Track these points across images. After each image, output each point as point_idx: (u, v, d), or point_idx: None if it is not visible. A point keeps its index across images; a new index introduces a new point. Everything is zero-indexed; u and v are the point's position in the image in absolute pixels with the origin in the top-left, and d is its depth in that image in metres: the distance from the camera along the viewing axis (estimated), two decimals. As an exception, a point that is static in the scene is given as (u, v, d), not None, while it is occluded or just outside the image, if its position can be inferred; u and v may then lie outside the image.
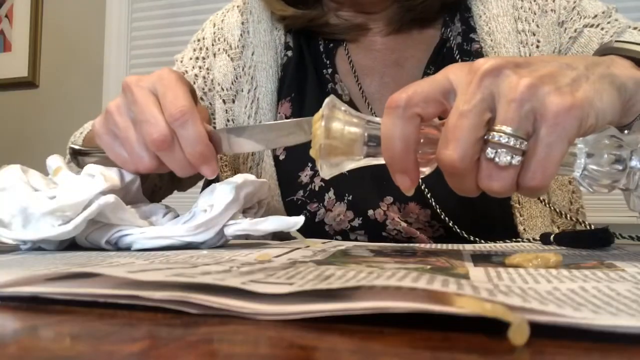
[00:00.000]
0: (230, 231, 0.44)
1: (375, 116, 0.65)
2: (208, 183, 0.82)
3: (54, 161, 0.48)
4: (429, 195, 0.58)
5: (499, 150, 0.30)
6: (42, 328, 0.19)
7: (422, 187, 0.59)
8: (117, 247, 0.44)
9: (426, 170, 0.35)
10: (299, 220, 0.45)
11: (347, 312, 0.19)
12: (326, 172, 0.37)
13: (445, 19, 0.69)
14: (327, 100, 0.36)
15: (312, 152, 0.37)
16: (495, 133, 0.30)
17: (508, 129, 0.30)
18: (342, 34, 0.70)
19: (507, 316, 0.16)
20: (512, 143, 0.30)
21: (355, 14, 0.71)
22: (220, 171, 0.73)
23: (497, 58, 0.32)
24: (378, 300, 0.19)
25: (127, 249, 0.43)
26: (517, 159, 0.30)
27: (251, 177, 0.48)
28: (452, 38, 0.67)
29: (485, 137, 0.31)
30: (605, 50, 0.40)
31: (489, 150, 0.30)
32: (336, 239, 0.62)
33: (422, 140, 0.34)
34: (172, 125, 0.44)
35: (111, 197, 0.42)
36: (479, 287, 0.20)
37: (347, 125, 0.35)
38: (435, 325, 0.18)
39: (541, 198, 0.61)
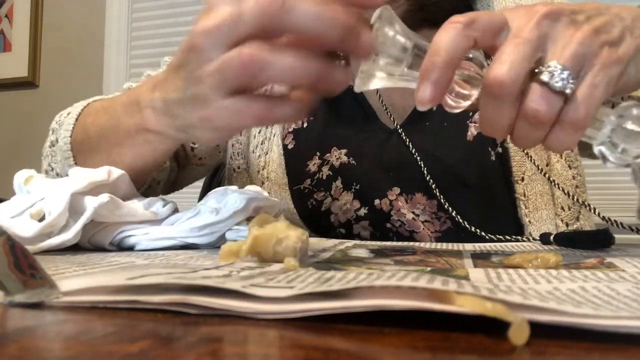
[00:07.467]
0: (232, 236, 0.45)
1: (387, 110, 0.66)
2: (210, 182, 0.82)
3: (21, 175, 0.47)
4: (433, 186, 0.59)
5: (554, 75, 0.31)
6: (42, 328, 0.19)
7: (428, 178, 0.60)
8: (120, 248, 0.44)
9: (457, 104, 0.34)
10: None
11: (347, 310, 0.19)
12: (359, 83, 0.34)
13: None
14: (381, 9, 0.34)
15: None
16: (550, 64, 0.31)
17: (560, 65, 0.31)
18: None
19: (508, 316, 0.16)
20: (565, 75, 0.31)
21: None
22: (231, 158, 0.73)
23: (553, 3, 0.34)
24: (378, 298, 0.19)
25: (130, 249, 0.43)
26: (570, 88, 0.31)
27: (265, 193, 0.50)
28: None
29: (537, 70, 0.32)
30: None
31: (544, 75, 0.31)
32: (340, 232, 0.63)
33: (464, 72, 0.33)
34: None
35: (105, 197, 0.42)
36: (479, 287, 0.20)
37: (397, 35, 0.34)
38: (435, 325, 0.18)
39: (544, 172, 0.61)
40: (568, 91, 0.31)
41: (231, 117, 0.35)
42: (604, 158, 0.33)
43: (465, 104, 0.34)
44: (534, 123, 0.32)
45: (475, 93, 0.33)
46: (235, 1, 0.33)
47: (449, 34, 0.32)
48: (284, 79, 0.34)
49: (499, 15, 0.34)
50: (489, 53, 0.34)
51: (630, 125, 0.32)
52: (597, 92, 0.32)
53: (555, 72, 0.31)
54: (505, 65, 0.31)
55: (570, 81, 0.31)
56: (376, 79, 0.34)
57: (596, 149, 0.33)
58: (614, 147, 0.33)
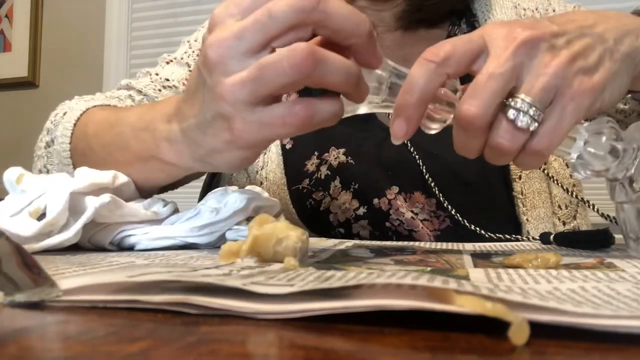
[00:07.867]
0: (231, 236, 0.45)
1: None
2: (210, 182, 0.82)
3: (11, 173, 0.45)
4: (432, 185, 0.59)
5: (520, 113, 0.32)
6: (42, 328, 0.19)
7: (427, 176, 0.60)
8: (120, 248, 0.44)
9: (433, 127, 0.36)
10: None
11: (348, 310, 0.19)
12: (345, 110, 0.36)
13: (452, 19, 0.71)
14: None
15: None
16: (518, 100, 0.32)
17: (529, 99, 0.32)
18: None
19: (508, 316, 0.16)
20: (531, 112, 0.32)
21: (367, 1, 0.70)
22: None
23: (535, 26, 0.34)
24: (378, 298, 0.19)
25: (130, 249, 0.43)
26: (534, 125, 0.32)
27: (265, 193, 0.50)
28: (459, 34, 0.68)
29: (506, 102, 0.33)
30: None
31: (510, 112, 0.32)
32: (339, 231, 0.63)
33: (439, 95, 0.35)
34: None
35: (107, 197, 0.42)
36: (479, 287, 0.20)
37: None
38: (435, 325, 0.18)
39: (543, 168, 0.61)
40: (532, 129, 0.32)
41: (264, 129, 0.33)
42: (575, 169, 0.36)
43: (442, 127, 0.36)
44: (499, 153, 0.34)
45: (450, 117, 0.35)
46: (245, 12, 0.32)
47: (422, 73, 0.33)
48: (343, 76, 0.32)
49: (477, 39, 0.34)
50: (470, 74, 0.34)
51: (595, 149, 0.34)
52: (564, 123, 0.33)
53: (522, 108, 0.32)
54: (475, 101, 0.32)
55: (537, 117, 0.32)
56: (360, 107, 0.36)
57: (569, 162, 0.36)
58: (582, 161, 0.35)
